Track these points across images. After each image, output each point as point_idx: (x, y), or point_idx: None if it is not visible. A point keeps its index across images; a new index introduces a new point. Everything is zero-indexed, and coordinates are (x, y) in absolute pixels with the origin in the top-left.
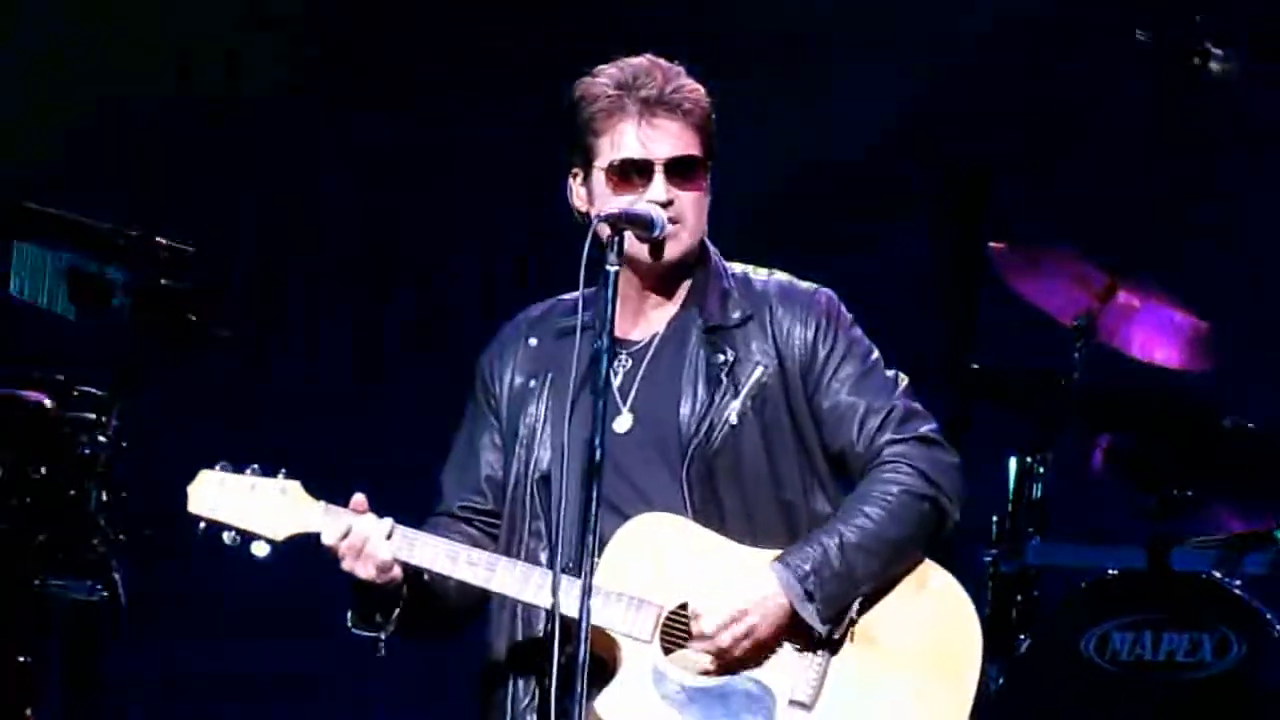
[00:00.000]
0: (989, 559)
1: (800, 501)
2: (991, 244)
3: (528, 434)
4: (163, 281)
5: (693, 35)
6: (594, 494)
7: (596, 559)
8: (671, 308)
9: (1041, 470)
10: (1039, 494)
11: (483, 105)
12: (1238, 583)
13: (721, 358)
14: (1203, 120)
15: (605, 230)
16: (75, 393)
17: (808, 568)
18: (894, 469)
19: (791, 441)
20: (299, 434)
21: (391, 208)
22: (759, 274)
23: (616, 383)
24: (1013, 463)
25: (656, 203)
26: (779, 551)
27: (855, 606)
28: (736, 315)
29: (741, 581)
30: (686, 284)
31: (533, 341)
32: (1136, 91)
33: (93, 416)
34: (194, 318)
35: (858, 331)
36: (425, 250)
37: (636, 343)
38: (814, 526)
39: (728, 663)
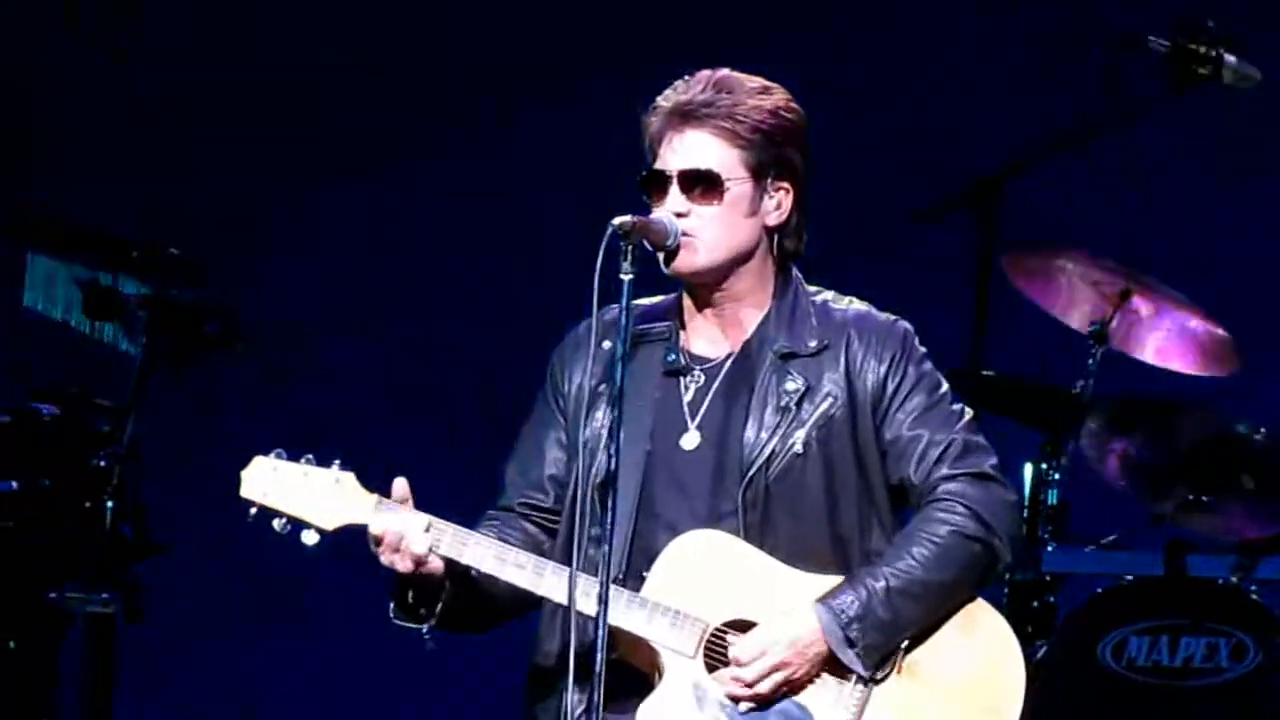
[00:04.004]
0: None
1: (854, 536)
2: (1005, 249)
3: (593, 438)
4: (176, 293)
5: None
6: (610, 505)
7: (645, 573)
8: (746, 328)
9: (1056, 477)
10: (1054, 500)
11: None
12: (1254, 588)
13: (793, 385)
14: (1216, 123)
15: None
16: (89, 405)
17: (851, 614)
18: (947, 508)
19: (853, 474)
20: (319, 441)
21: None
22: (839, 302)
23: (687, 398)
24: (1028, 469)
25: (673, 214)
26: (825, 579)
27: (901, 648)
28: (813, 344)
29: (783, 622)
30: (766, 306)
31: (606, 345)
32: (1151, 97)
33: (107, 429)
34: (208, 329)
35: (929, 365)
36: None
37: (711, 360)
38: (865, 563)
39: (763, 700)
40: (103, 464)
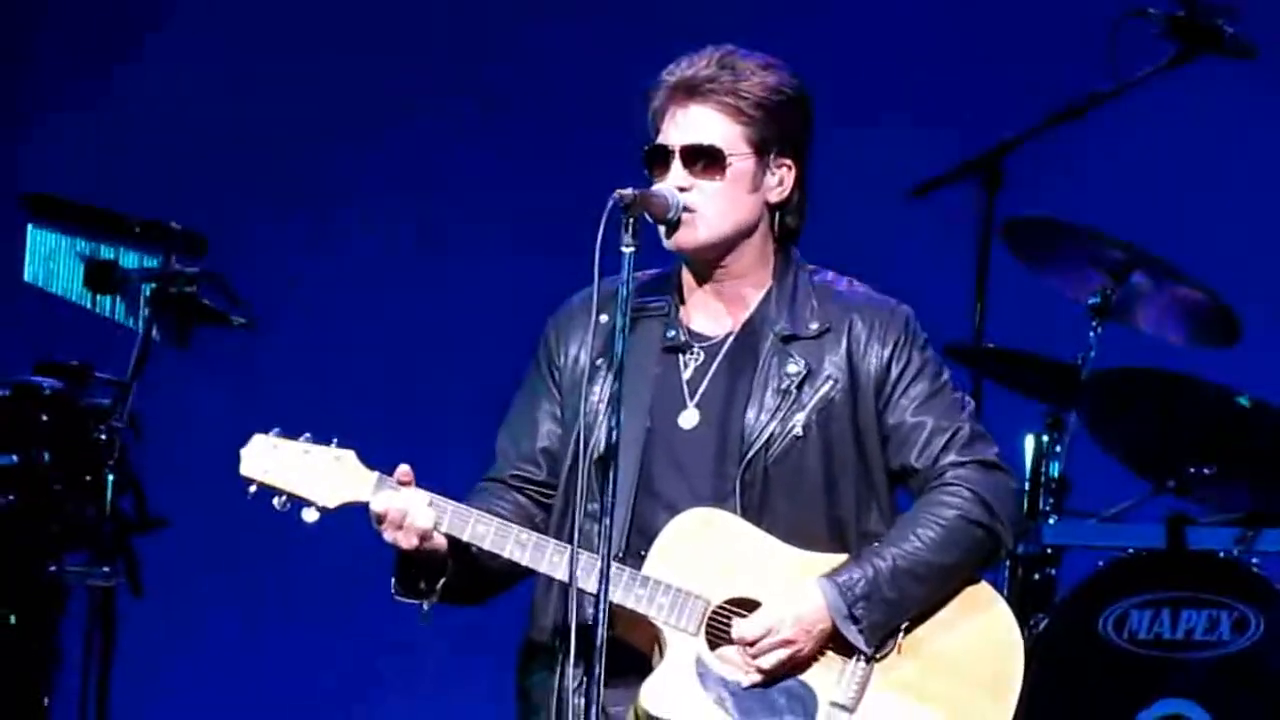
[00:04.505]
0: None
1: (852, 519)
2: (1004, 222)
3: (590, 414)
4: (177, 267)
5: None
6: (610, 480)
7: (644, 552)
8: (747, 307)
9: (1058, 449)
10: (1055, 473)
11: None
12: (1256, 560)
13: (794, 368)
14: (1218, 94)
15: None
16: (90, 379)
17: (857, 592)
18: (953, 492)
19: (852, 457)
20: (317, 418)
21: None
22: (840, 283)
23: (686, 376)
24: (1029, 442)
25: (675, 189)
26: (828, 557)
27: (902, 627)
28: (814, 327)
29: (788, 599)
30: (766, 285)
31: (603, 318)
32: (1153, 68)
33: (108, 403)
34: (209, 303)
35: (931, 351)
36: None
37: (711, 338)
38: (864, 544)
39: (767, 677)
40: (103, 437)
